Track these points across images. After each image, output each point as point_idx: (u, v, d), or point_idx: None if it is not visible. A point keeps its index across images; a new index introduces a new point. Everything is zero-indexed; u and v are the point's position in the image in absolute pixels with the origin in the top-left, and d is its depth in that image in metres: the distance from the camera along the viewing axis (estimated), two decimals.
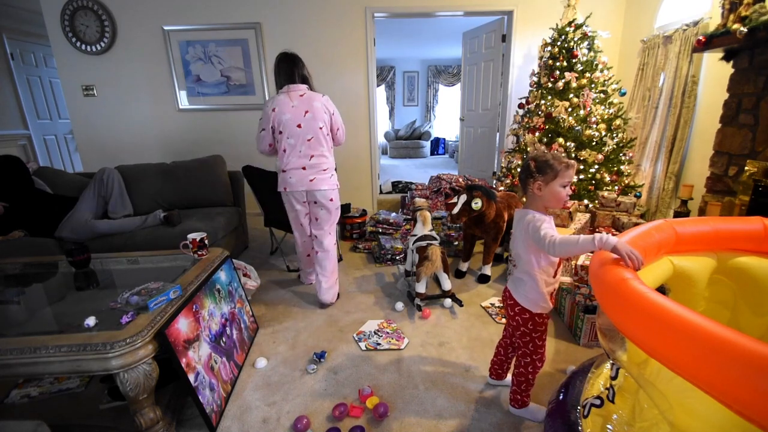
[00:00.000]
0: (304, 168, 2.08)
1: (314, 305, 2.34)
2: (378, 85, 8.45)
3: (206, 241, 1.79)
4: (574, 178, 3.00)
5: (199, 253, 1.77)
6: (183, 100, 3.81)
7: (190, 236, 1.76)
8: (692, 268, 1.24)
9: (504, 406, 1.52)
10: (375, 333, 2.02)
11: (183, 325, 1.39)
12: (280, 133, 2.05)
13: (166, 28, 3.61)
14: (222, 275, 1.80)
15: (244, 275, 2.15)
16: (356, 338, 1.98)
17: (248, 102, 3.83)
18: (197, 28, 3.62)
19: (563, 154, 3.02)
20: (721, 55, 2.40)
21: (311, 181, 2.10)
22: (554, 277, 1.30)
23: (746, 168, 2.23)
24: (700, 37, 2.34)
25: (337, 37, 3.70)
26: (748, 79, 2.26)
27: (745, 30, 2.00)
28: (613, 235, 1.08)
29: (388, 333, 2.02)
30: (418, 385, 1.64)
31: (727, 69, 2.40)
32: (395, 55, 8.36)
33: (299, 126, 2.03)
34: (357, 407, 1.50)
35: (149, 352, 1.24)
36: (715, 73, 2.71)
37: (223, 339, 1.65)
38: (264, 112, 2.07)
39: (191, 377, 1.35)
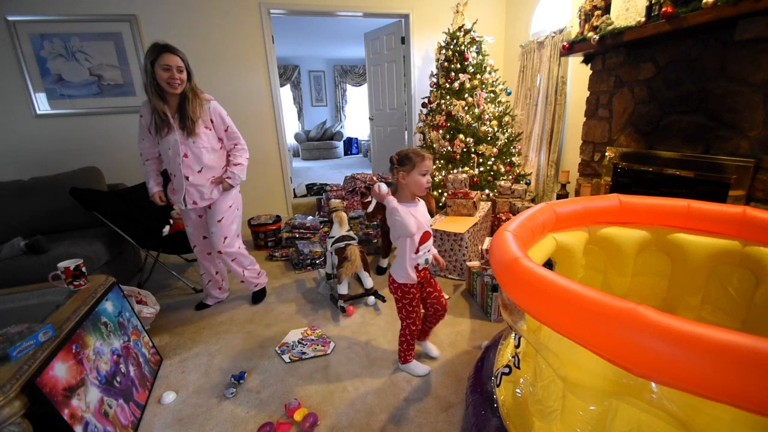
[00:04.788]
0: None
1: (228, 324, 2.16)
2: (282, 85, 8.15)
3: (83, 269, 1.52)
4: (476, 171, 3.29)
5: (76, 283, 1.49)
6: (42, 104, 3.17)
7: (62, 264, 1.48)
8: (571, 242, 1.44)
9: (429, 391, 1.58)
10: (299, 342, 1.94)
11: (61, 371, 1.18)
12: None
13: (10, 18, 2.98)
14: (108, 306, 1.55)
15: (139, 302, 1.89)
16: (279, 351, 1.88)
17: (127, 104, 3.33)
18: (53, 19, 3.05)
19: (464, 149, 3.28)
20: (581, 58, 2.83)
21: None
22: (416, 253, 1.51)
23: (606, 154, 2.67)
24: (565, 43, 2.72)
25: (231, 34, 3.45)
26: (602, 79, 2.70)
27: (597, 37, 2.38)
28: (507, 218, 1.22)
29: (312, 340, 1.96)
30: (347, 387, 1.62)
31: (587, 70, 2.83)
32: (299, 54, 8.14)
33: None
34: (284, 423, 1.43)
35: (16, 409, 1.03)
36: (579, 74, 3.17)
37: (117, 379, 1.42)
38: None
39: (78, 430, 1.15)
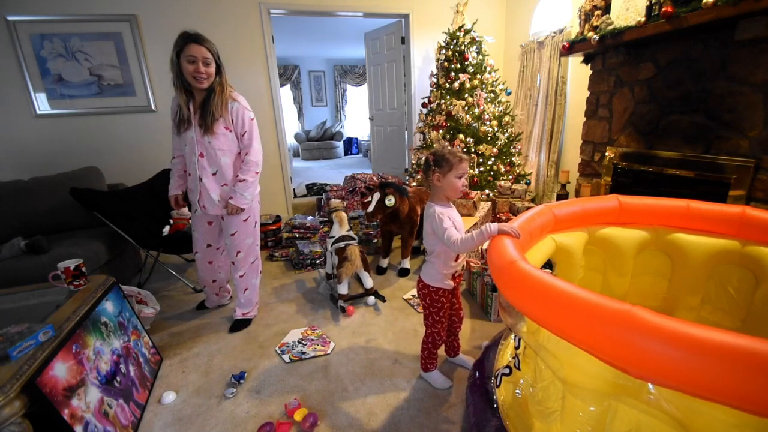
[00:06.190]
0: None
1: (228, 324, 2.15)
2: (282, 85, 8.14)
3: (83, 269, 1.52)
4: (476, 170, 3.29)
5: (75, 283, 1.49)
6: (42, 104, 3.18)
7: (62, 264, 1.48)
8: (570, 243, 1.44)
9: (429, 391, 1.58)
10: (299, 342, 1.95)
11: (61, 371, 1.18)
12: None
13: (10, 18, 2.98)
14: (109, 306, 1.56)
15: (139, 302, 1.89)
16: (279, 351, 1.88)
17: (128, 104, 3.34)
18: (53, 19, 3.05)
19: (464, 149, 3.28)
20: (581, 58, 2.83)
21: None
22: (456, 261, 1.46)
23: (606, 153, 2.67)
24: (565, 43, 2.71)
25: (231, 34, 3.45)
26: (602, 78, 2.70)
27: (597, 37, 2.37)
28: (507, 219, 1.22)
29: (313, 340, 1.96)
30: (347, 387, 1.63)
31: (587, 70, 2.83)
32: (299, 54, 8.14)
33: None
34: (284, 423, 1.43)
35: (16, 409, 1.02)
36: (579, 74, 3.16)
37: (117, 378, 1.42)
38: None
39: (78, 430, 1.15)
